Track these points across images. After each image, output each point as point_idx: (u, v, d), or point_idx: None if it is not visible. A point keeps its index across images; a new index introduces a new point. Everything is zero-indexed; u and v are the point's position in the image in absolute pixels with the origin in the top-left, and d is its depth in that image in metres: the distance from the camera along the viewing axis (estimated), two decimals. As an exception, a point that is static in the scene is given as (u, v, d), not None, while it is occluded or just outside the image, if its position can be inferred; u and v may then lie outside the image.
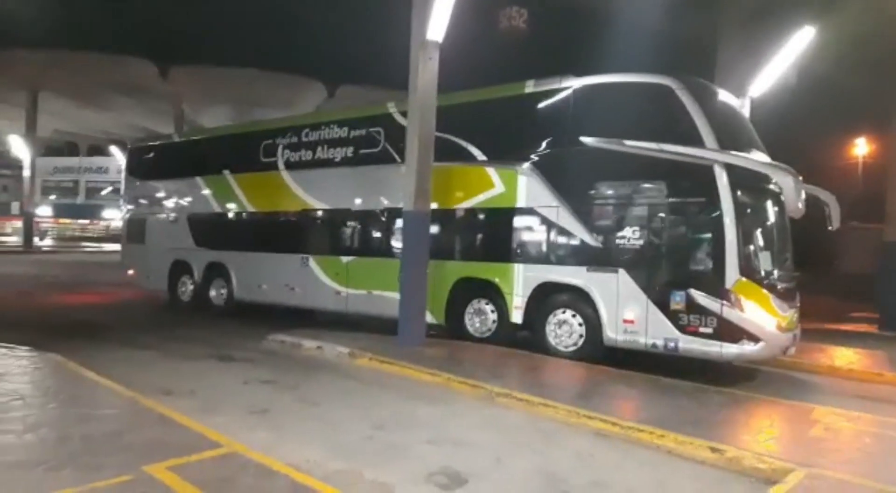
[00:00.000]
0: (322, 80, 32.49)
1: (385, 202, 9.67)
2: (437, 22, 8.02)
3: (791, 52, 9.75)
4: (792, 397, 6.54)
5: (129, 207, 13.98)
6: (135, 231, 13.59)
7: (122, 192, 14.75)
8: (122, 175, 14.77)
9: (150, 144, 14.64)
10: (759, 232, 7.16)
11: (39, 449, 4.14)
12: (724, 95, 8.06)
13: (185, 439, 4.44)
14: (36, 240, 34.63)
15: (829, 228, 7.94)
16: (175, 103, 32.21)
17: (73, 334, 9.16)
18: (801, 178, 6.69)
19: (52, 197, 52.08)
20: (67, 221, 54.55)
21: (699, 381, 6.94)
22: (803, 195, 6.75)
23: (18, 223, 39.75)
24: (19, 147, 33.84)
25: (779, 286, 7.11)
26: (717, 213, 6.67)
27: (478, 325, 8.76)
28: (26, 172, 33.77)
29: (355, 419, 5.40)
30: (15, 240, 41.07)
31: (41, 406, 5.11)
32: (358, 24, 27.61)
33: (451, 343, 8.72)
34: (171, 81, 30.20)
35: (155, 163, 13.59)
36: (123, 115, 36.68)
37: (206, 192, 12.18)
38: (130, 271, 13.54)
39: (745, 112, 8.58)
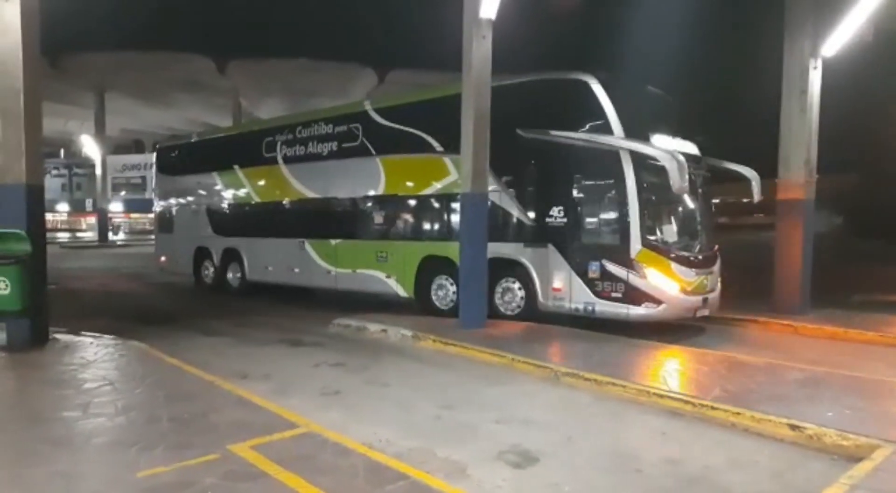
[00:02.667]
0: (372, 66, 32.65)
1: (363, 190, 10.77)
2: (490, -1, 7.91)
3: (868, 4, 9.10)
4: (875, 371, 6.27)
5: (160, 200, 15.25)
6: (165, 222, 14.99)
7: (153, 187, 16.16)
8: (153, 172, 16.15)
9: (175, 143, 15.86)
10: (661, 209, 8.11)
11: (131, 430, 4.40)
12: (637, 87, 9.06)
13: (265, 419, 4.63)
14: (110, 234, 36.47)
15: (752, 200, 9.11)
16: (233, 97, 33.09)
17: (153, 321, 9.63)
18: (685, 162, 7.26)
19: (123, 193, 54.58)
20: (137, 215, 57.18)
21: (772, 357, 6.77)
22: (686, 176, 7.22)
23: (93, 219, 41.98)
24: (90, 147, 35.58)
25: (682, 255, 8.00)
26: (623, 192, 7.69)
27: (441, 297, 9.75)
28: (98, 171, 35.53)
29: (423, 400, 5.50)
30: (90, 235, 43.40)
31: (129, 391, 5.42)
32: (406, 6, 27.54)
33: (512, 324, 8.73)
34: (229, 76, 30.99)
35: (179, 160, 14.84)
36: (185, 111, 37.96)
37: (221, 185, 13.46)
38: (163, 258, 15.02)
39: (661, 99, 9.28)
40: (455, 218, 9.51)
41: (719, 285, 8.68)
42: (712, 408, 4.98)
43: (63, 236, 42.12)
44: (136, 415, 4.72)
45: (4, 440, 4.13)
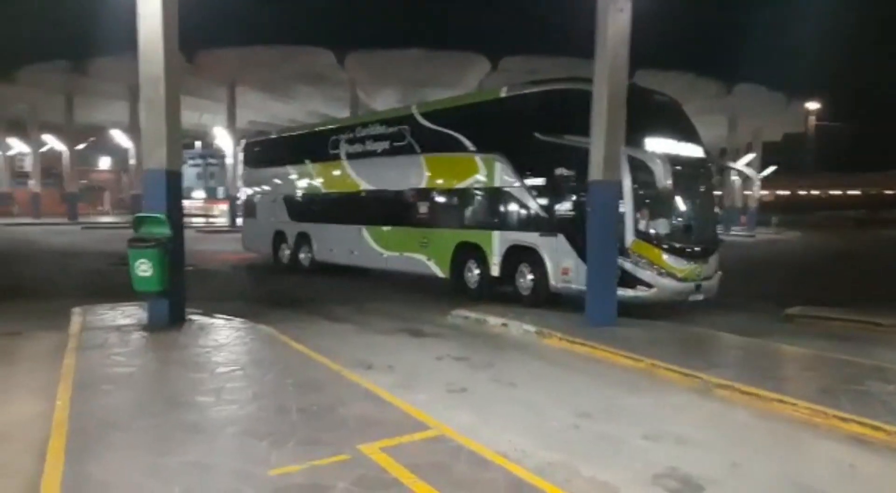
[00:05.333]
0: (485, 53, 32.19)
1: (409, 184, 11.92)
2: (630, -33, 7.26)
3: None
4: None
5: (245, 189, 17.03)
6: (249, 208, 16.75)
7: (240, 177, 18.13)
8: (241, 164, 17.89)
9: (258, 139, 17.44)
10: (655, 204, 8.68)
11: (262, 421, 4.30)
12: (640, 94, 9.44)
13: (394, 417, 4.39)
14: (238, 220, 38.82)
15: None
16: (350, 89, 33.93)
17: (279, 304, 9.83)
18: (668, 164, 8.21)
19: (250, 182, 58.06)
20: (262, 202, 60.63)
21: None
22: (669, 176, 8.15)
23: (224, 206, 44.95)
24: (223, 138, 37.97)
25: (675, 245, 8.75)
26: (619, 190, 8.29)
27: (469, 278, 10.78)
28: (229, 160, 37.86)
29: (556, 405, 5.06)
30: (222, 221, 46.58)
31: (259, 377, 5.41)
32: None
33: (643, 323, 8.09)
34: (347, 68, 31.73)
35: (261, 154, 16.52)
36: (306, 103, 39.42)
37: (295, 177, 14.97)
38: (248, 240, 16.79)
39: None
40: (483, 209, 10.71)
41: (717, 273, 9.39)
42: (916, 439, 4.14)
43: (198, 222, 45.50)
44: (266, 404, 4.65)
45: (144, 424, 4.15)
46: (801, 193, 70.49)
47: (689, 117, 9.97)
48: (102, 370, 5.39)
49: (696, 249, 9.02)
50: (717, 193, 10.10)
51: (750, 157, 40.61)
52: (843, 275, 17.36)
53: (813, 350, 6.70)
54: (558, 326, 7.80)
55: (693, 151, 9.46)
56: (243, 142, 17.82)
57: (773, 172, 49.80)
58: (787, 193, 68.60)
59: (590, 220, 8.22)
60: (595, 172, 7.94)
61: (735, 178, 40.51)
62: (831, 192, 68.84)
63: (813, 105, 39.76)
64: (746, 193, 40.74)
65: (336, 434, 4.00)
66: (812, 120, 47.81)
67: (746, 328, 8.06)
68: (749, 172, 10.19)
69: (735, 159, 40.54)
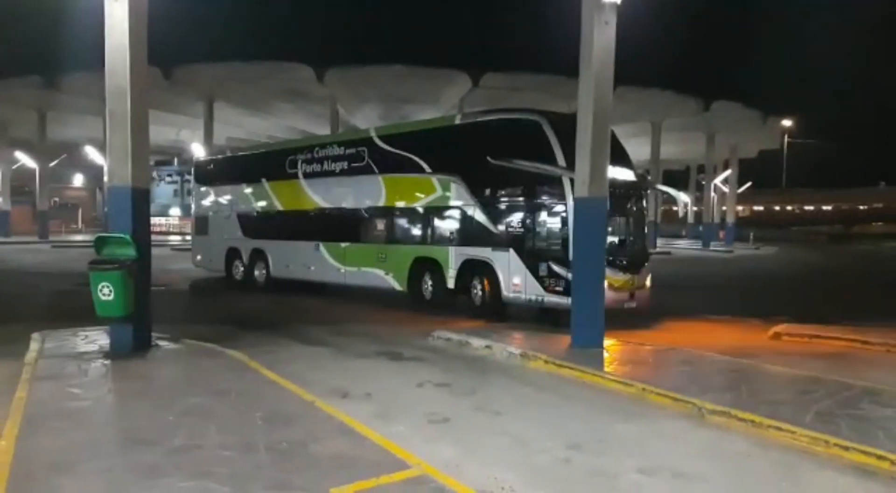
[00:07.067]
0: (466, 70, 32.15)
1: (368, 202, 12.55)
2: (614, -20, 7.12)
3: None
4: None
5: (196, 207, 17.16)
6: (201, 225, 16.78)
7: (191, 196, 18.06)
8: (192, 183, 17.92)
9: (210, 158, 18.02)
10: None
11: (226, 462, 3.94)
12: (572, 120, 9.57)
13: (370, 454, 4.07)
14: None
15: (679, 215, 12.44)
16: (330, 105, 33.63)
17: (251, 326, 9.30)
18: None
19: (228, 198, 57.20)
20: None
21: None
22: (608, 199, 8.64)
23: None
24: (200, 155, 37.45)
25: (611, 259, 9.02)
26: (564, 209, 9.24)
27: (425, 290, 11.41)
28: (206, 177, 37.26)
29: (545, 435, 4.77)
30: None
31: (226, 410, 5.05)
32: (499, 9, 26.93)
33: (630, 346, 7.84)
34: (327, 84, 31.40)
35: (213, 173, 16.80)
36: (285, 119, 38.98)
37: (250, 195, 15.24)
38: (198, 257, 16.84)
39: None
40: (439, 226, 11.32)
41: (648, 282, 10.11)
42: (924, 471, 3.92)
43: (175, 239, 44.72)
44: (232, 441, 4.29)
45: (95, 467, 3.78)
46: (776, 208, 71.72)
47: (620, 143, 10.51)
48: (56, 405, 4.99)
49: (630, 262, 9.82)
50: (647, 211, 11.43)
51: (726, 173, 41.28)
52: (824, 290, 17.41)
53: (804, 372, 6.51)
54: (543, 348, 7.55)
55: (625, 174, 10.06)
56: (194, 160, 18.19)
57: (749, 188, 50.43)
58: (760, 208, 69.71)
59: (576, 237, 8.06)
60: (581, 188, 7.76)
61: (713, 194, 41.18)
62: (805, 207, 70.16)
63: (787, 122, 40.34)
64: (723, 208, 41.34)
65: (306, 476, 3.68)
66: (786, 137, 48.68)
67: (734, 348, 7.89)
68: (675, 193, 11.62)
69: (713, 176, 41.23)
